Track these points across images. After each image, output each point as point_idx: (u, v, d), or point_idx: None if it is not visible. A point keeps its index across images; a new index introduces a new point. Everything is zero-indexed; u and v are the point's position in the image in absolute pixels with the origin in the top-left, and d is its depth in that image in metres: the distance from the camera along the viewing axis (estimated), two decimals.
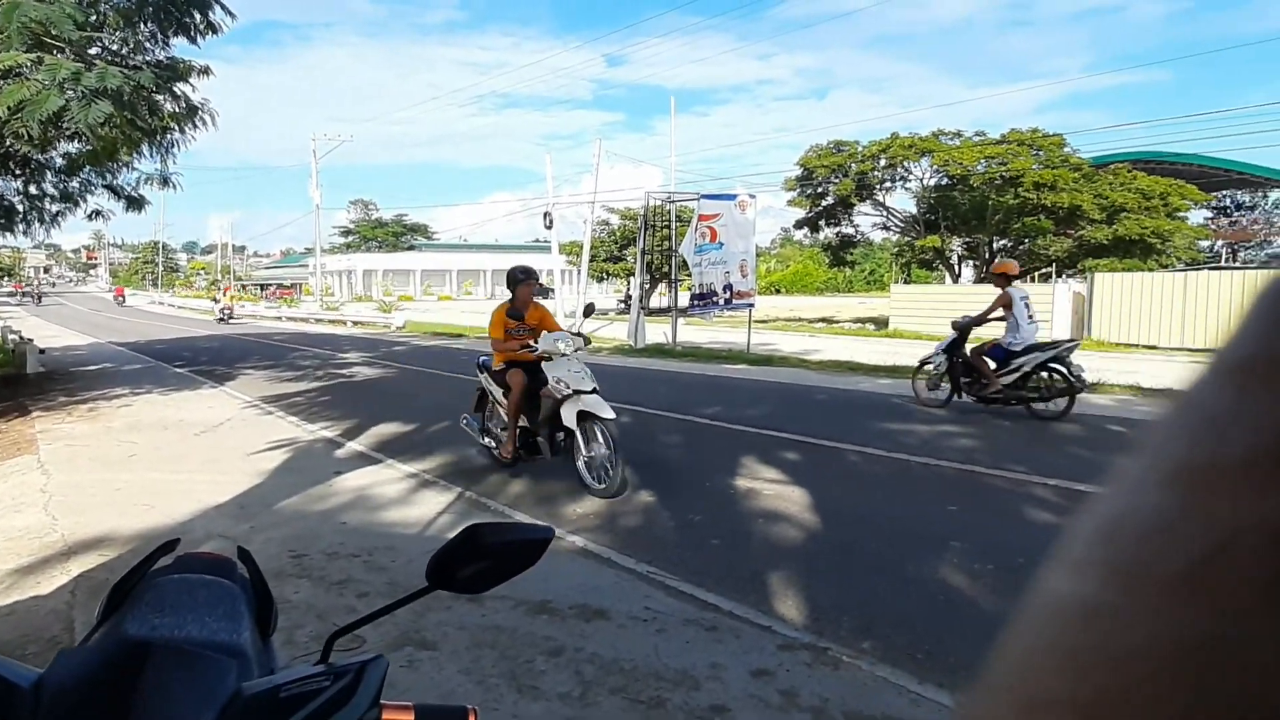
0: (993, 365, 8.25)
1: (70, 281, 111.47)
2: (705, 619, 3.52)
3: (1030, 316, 8.21)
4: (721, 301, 16.49)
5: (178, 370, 13.94)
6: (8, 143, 8.51)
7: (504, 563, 1.02)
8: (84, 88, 7.67)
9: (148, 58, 9.75)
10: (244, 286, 71.05)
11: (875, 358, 13.97)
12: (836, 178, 27.49)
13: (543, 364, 5.69)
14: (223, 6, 9.56)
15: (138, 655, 0.85)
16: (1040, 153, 24.76)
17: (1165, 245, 24.37)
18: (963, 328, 8.51)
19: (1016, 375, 8.01)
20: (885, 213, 29.97)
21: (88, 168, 11.21)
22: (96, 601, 1.22)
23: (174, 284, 63.22)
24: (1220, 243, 41.45)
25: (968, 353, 8.43)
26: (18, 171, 11.11)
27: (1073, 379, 7.73)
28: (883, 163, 26.87)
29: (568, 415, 5.50)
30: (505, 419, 5.97)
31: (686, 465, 6.45)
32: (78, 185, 12.12)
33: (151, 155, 10.69)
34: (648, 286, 24.92)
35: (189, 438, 7.72)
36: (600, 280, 38.56)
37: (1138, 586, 0.18)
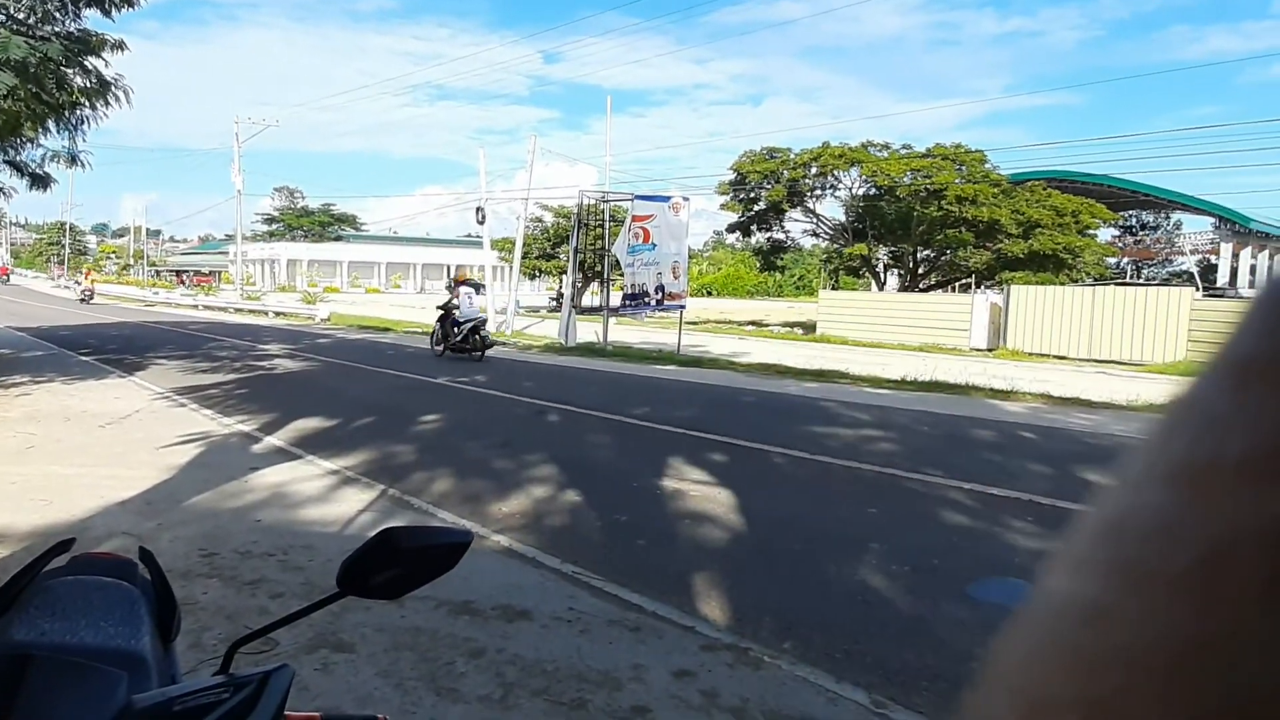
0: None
1: None
2: (629, 619, 3.52)
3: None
4: (653, 302, 16.63)
5: (83, 358, 13.19)
6: None
7: (420, 568, 0.98)
8: None
9: (56, 28, 9.24)
10: (159, 273, 67.96)
11: (802, 361, 14.27)
12: (769, 184, 28.00)
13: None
14: None
15: (17, 665, 0.79)
16: (963, 167, 25.72)
17: (1076, 261, 25.65)
18: None
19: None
20: (815, 220, 30.68)
21: None
22: None
23: (82, 266, 59.95)
24: (1125, 260, 43.82)
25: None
26: None
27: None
28: (814, 171, 27.52)
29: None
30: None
31: (614, 465, 6.45)
32: None
33: (59, 131, 10.19)
34: (580, 285, 24.85)
35: (93, 430, 7.32)
36: (533, 278, 38.27)
37: (1140, 586, 0.18)
